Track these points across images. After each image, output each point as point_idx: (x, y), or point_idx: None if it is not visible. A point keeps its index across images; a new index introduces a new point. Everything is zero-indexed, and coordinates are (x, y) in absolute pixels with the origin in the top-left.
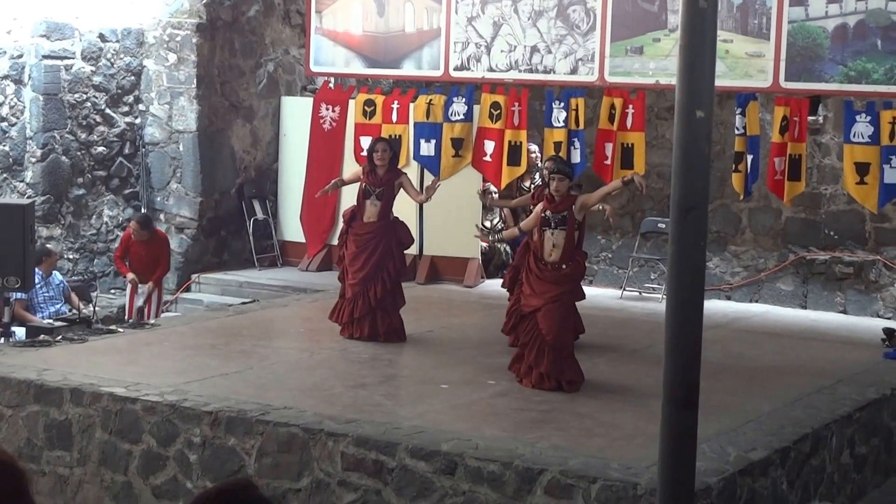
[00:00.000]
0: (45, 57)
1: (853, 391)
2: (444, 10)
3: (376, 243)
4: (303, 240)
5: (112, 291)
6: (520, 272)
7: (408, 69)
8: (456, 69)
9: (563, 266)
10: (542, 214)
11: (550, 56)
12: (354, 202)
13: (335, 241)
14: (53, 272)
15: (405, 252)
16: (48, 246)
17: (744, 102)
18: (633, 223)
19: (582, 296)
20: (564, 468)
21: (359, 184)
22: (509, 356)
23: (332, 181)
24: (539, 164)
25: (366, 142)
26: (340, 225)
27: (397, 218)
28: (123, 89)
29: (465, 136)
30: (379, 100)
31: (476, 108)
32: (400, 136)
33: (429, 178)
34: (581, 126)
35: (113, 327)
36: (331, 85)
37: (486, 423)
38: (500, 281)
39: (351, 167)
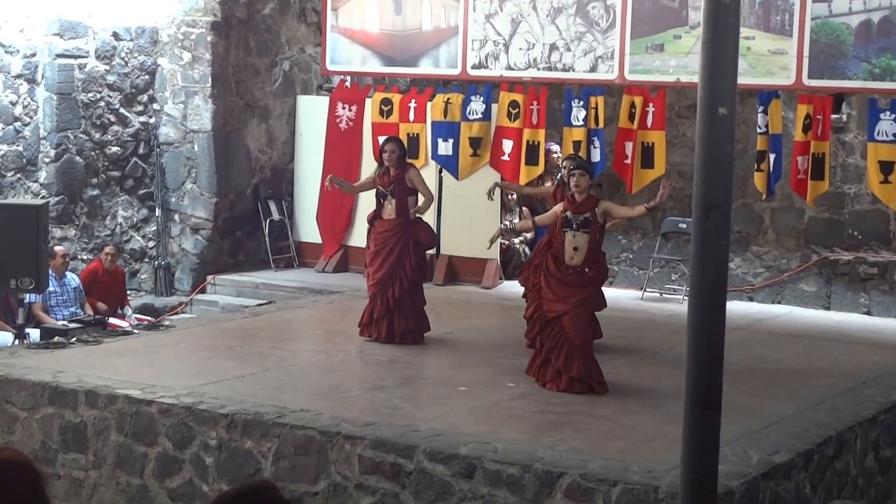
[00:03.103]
0: (58, 56)
1: (877, 393)
2: (462, 8)
3: (394, 242)
4: (319, 241)
5: (128, 293)
6: (537, 270)
7: (425, 67)
8: (474, 67)
9: (586, 269)
10: (563, 215)
11: (569, 54)
12: (372, 202)
13: (351, 242)
14: (68, 274)
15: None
16: (55, 248)
17: (766, 100)
18: (654, 223)
19: (603, 304)
20: (584, 471)
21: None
22: (528, 358)
23: (346, 182)
24: (558, 164)
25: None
26: (357, 226)
27: (420, 218)
28: (138, 88)
29: (483, 135)
30: (396, 98)
31: (494, 106)
32: (417, 134)
33: (447, 177)
34: (601, 125)
35: (128, 329)
36: (347, 84)
37: (505, 426)
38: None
39: (368, 166)
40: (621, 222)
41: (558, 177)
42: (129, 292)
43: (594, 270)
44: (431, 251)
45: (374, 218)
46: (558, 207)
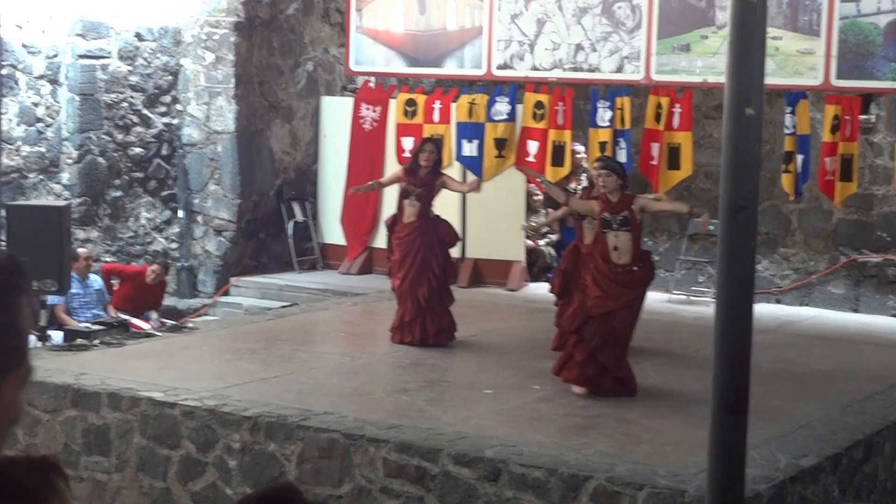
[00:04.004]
0: (80, 56)
1: None
2: (487, 8)
3: (419, 243)
4: (343, 242)
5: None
6: (569, 276)
7: (450, 68)
8: (499, 68)
9: (635, 268)
10: (602, 216)
11: (595, 54)
12: (395, 203)
13: (376, 244)
14: (91, 276)
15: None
16: (78, 250)
17: (794, 101)
18: (681, 225)
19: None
20: (611, 475)
21: (398, 185)
22: (553, 361)
23: (370, 182)
24: (585, 166)
25: (407, 142)
26: (382, 227)
27: (438, 216)
28: (160, 89)
29: (508, 136)
30: (420, 99)
31: (519, 107)
32: (442, 136)
33: (471, 178)
34: (627, 126)
35: (151, 331)
36: (371, 84)
37: (530, 429)
38: (545, 284)
39: (392, 167)
40: (659, 215)
41: (583, 177)
42: None
43: (642, 270)
44: (457, 254)
45: (393, 223)
46: (594, 205)
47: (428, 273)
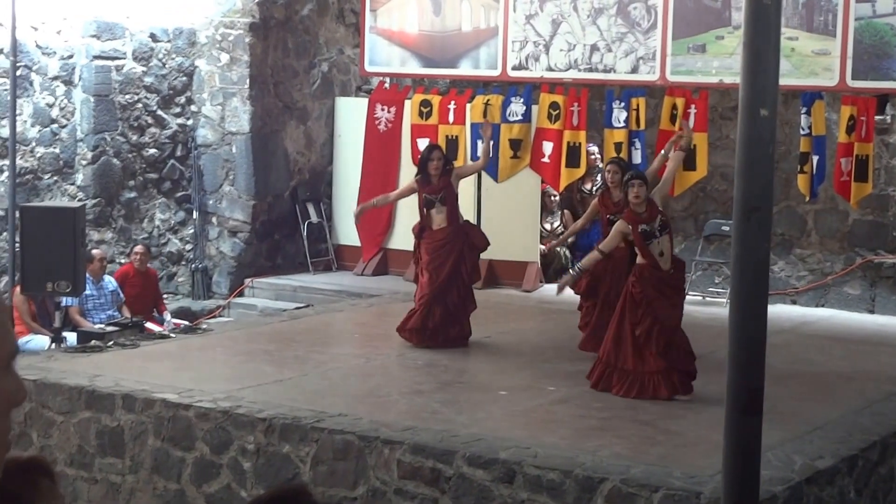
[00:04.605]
0: (95, 57)
1: None
2: (502, 9)
3: (449, 249)
4: (358, 243)
5: (165, 296)
6: (597, 279)
7: (465, 69)
8: (514, 68)
9: (672, 271)
10: (640, 230)
11: (610, 55)
12: (409, 206)
13: (391, 245)
14: (105, 277)
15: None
16: (93, 251)
17: (809, 102)
18: (697, 226)
19: None
20: (626, 477)
21: (416, 195)
22: (569, 362)
23: (375, 199)
24: (599, 166)
25: (422, 143)
26: (396, 228)
27: (468, 221)
28: (175, 90)
29: (523, 137)
30: (435, 100)
31: (534, 108)
32: (457, 136)
33: (486, 179)
34: (642, 126)
35: (165, 332)
36: (386, 85)
37: (545, 431)
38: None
39: (407, 169)
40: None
41: (598, 178)
42: (165, 296)
43: (678, 270)
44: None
45: (421, 230)
46: (621, 226)
47: (458, 281)
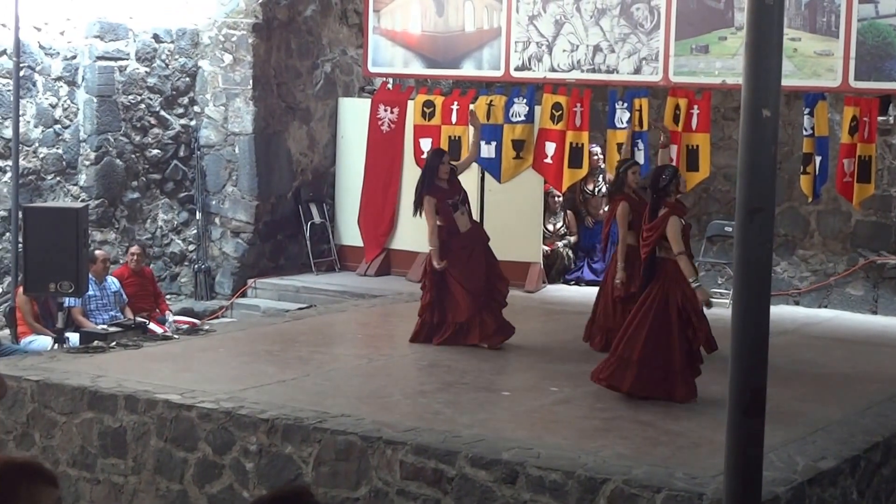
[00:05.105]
0: (98, 58)
1: None
2: (505, 9)
3: (476, 248)
4: (361, 244)
5: (168, 297)
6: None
7: (468, 69)
8: (517, 69)
9: None
10: (684, 225)
11: (613, 55)
12: (413, 204)
13: (394, 246)
14: (108, 278)
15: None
16: (96, 252)
17: (812, 102)
18: (700, 226)
19: None
20: (628, 477)
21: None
22: (571, 362)
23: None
24: (602, 167)
25: (425, 143)
26: (399, 229)
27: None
28: (178, 91)
29: (526, 137)
30: (438, 101)
31: (537, 108)
32: (460, 137)
33: (489, 179)
34: (645, 127)
35: (168, 333)
36: (389, 86)
37: (547, 431)
38: (563, 286)
39: (410, 169)
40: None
41: (600, 179)
42: (168, 296)
43: None
44: None
45: (449, 234)
46: (676, 223)
47: (491, 276)
